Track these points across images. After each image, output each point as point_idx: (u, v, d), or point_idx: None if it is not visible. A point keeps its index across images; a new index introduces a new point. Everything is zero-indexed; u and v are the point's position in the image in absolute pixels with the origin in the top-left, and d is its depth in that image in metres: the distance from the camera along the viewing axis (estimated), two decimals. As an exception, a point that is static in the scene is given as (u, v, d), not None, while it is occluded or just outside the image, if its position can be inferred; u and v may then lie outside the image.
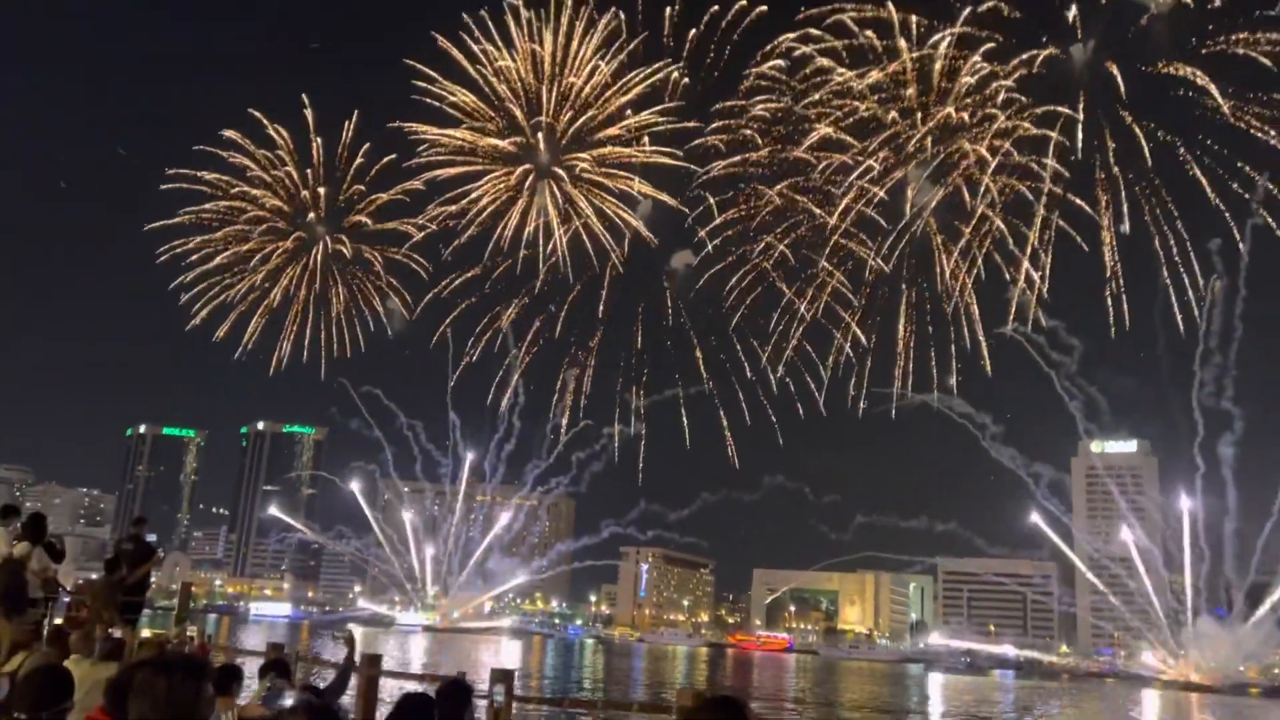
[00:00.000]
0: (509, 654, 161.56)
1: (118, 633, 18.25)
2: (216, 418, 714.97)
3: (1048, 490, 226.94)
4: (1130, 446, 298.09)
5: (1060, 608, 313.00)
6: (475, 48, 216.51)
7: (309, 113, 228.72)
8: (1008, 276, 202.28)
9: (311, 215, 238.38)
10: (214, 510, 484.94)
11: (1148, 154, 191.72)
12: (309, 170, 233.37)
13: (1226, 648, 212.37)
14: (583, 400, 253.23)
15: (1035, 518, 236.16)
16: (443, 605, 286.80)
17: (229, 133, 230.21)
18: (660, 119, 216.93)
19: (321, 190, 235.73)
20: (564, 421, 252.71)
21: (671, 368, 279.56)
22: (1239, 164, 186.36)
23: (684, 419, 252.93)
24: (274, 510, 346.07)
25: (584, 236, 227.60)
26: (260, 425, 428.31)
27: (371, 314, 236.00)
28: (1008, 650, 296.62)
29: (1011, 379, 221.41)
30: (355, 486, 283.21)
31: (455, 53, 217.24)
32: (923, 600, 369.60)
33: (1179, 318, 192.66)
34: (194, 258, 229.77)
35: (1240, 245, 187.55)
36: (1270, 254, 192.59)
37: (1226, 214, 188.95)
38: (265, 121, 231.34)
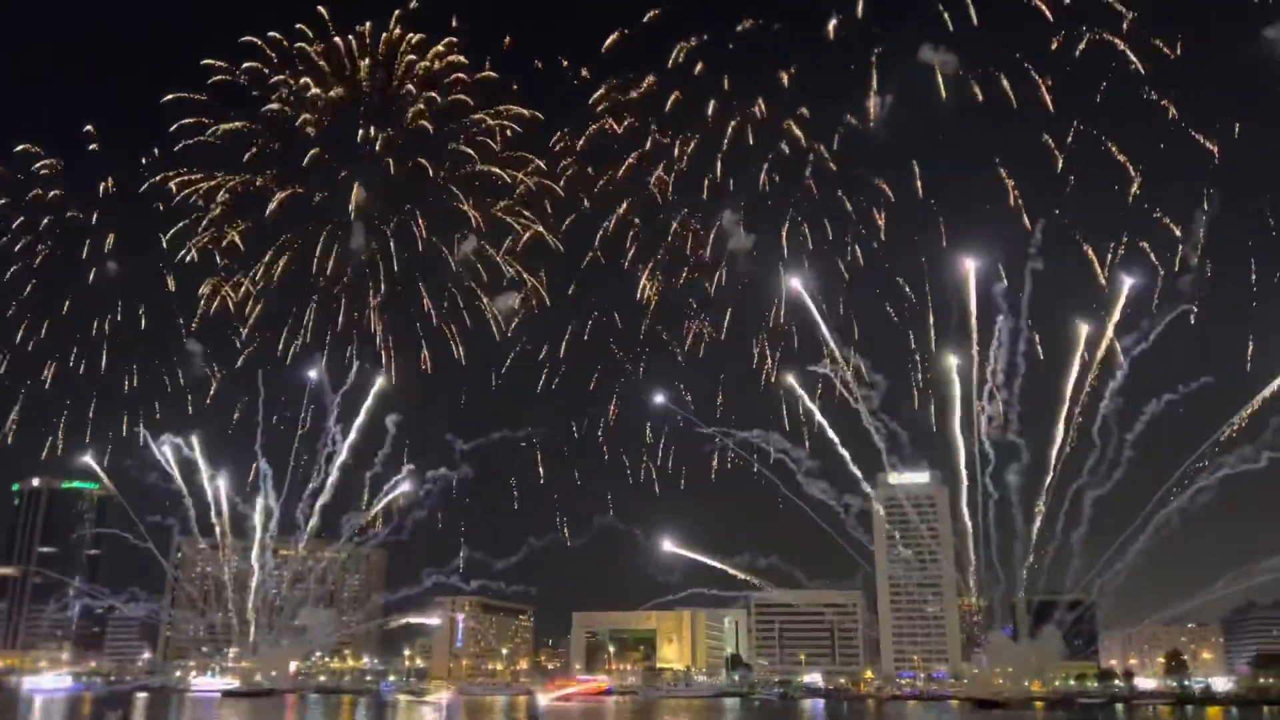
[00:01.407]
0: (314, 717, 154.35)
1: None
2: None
3: (856, 520, 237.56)
4: (923, 477, 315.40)
5: (866, 633, 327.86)
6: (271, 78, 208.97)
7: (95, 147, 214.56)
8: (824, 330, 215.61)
9: (94, 273, 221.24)
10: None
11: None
12: (94, 214, 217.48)
13: (1015, 664, 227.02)
14: (405, 446, 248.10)
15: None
16: (244, 667, 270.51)
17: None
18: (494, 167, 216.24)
19: (110, 239, 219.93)
20: (383, 468, 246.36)
21: (501, 416, 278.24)
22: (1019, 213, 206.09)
23: (511, 470, 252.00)
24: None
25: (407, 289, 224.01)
26: (35, 481, 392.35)
27: (170, 376, 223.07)
28: (816, 678, 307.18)
29: (825, 414, 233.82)
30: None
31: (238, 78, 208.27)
32: (737, 634, 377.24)
33: (975, 355, 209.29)
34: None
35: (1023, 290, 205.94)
36: (1046, 296, 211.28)
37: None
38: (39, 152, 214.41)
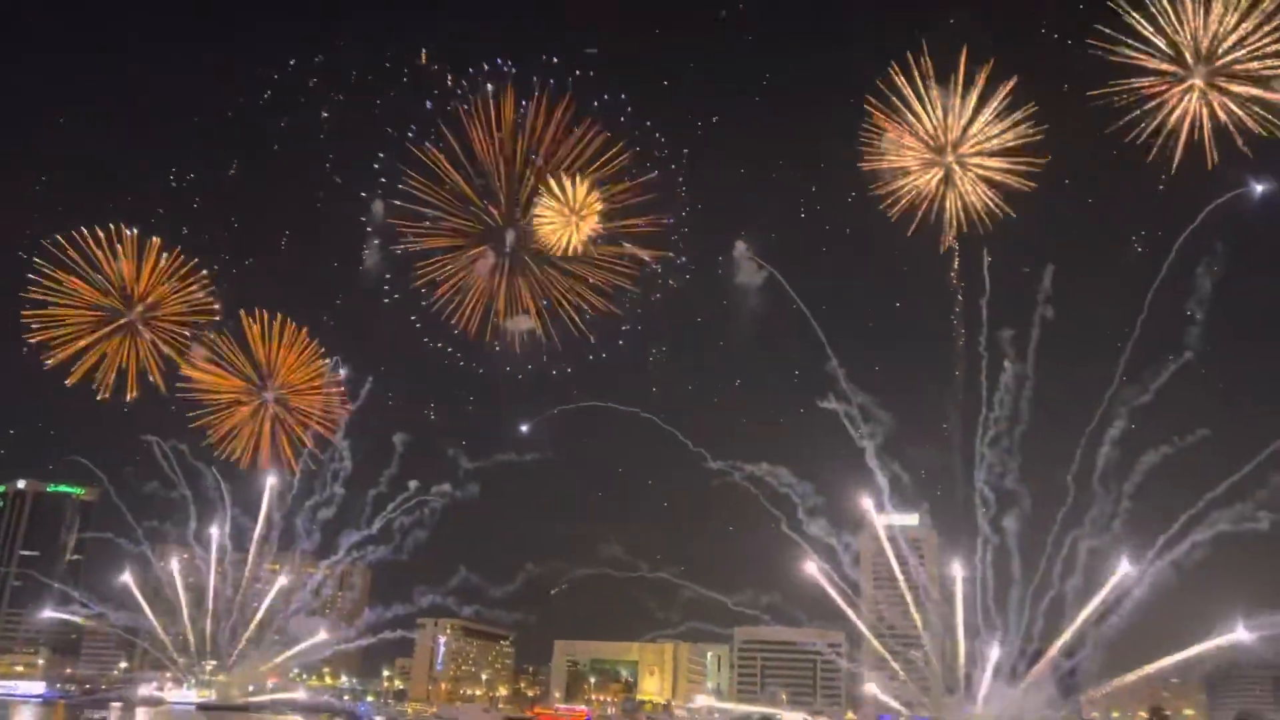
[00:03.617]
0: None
1: None
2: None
3: (852, 561, 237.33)
4: (912, 520, 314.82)
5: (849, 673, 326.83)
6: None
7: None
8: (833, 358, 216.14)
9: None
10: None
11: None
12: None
13: (1002, 711, 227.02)
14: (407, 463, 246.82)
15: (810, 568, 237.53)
16: (221, 681, 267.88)
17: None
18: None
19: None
20: (386, 487, 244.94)
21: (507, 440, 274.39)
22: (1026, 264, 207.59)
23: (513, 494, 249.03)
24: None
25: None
26: (21, 484, 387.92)
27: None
28: (797, 716, 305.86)
29: (827, 451, 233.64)
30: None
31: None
32: (719, 669, 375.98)
33: (984, 399, 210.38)
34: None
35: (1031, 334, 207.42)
36: (1055, 343, 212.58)
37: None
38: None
